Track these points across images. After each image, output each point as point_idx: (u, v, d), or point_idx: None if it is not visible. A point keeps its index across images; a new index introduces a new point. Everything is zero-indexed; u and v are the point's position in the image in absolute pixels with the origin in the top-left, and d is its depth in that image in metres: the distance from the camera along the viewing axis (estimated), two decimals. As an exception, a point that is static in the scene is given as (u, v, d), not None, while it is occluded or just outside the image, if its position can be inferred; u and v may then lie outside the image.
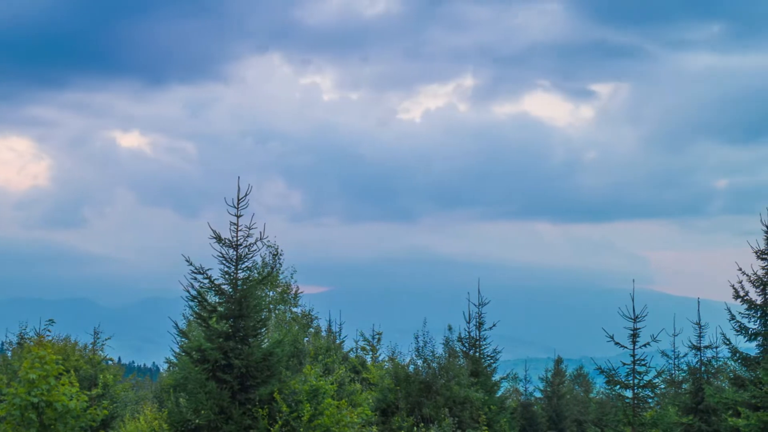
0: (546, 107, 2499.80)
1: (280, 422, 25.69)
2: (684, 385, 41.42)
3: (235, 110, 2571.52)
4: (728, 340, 35.83)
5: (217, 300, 27.31)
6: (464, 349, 43.28)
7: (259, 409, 25.75)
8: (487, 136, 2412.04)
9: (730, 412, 33.22)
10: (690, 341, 39.51)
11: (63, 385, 23.53)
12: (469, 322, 43.92)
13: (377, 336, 47.99)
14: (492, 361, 44.31)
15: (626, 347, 34.80)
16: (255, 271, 28.59)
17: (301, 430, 25.98)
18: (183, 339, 28.36)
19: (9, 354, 41.12)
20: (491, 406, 38.61)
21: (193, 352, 26.40)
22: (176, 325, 28.78)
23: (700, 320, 39.08)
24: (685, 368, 41.33)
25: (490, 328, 44.34)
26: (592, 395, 65.26)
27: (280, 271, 45.10)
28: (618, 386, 35.54)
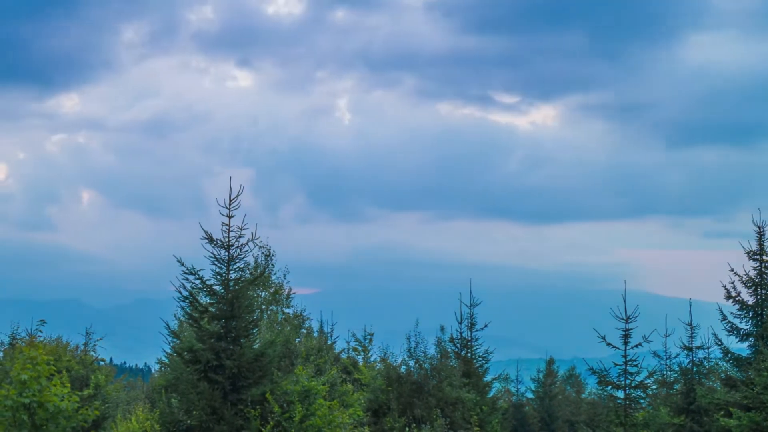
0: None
1: (272, 423, 25.68)
2: (675, 386, 41.39)
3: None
4: (720, 340, 35.84)
5: (209, 300, 27.27)
6: (456, 349, 43.30)
7: (251, 410, 25.74)
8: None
9: (722, 412, 33.19)
10: (682, 342, 39.51)
11: (54, 385, 23.42)
12: (460, 323, 43.97)
13: (369, 337, 47.93)
14: (484, 361, 44.34)
15: (618, 348, 34.78)
16: (247, 271, 28.52)
17: (293, 430, 25.97)
18: (174, 339, 28.37)
19: (0, 355, 40.95)
20: (483, 407, 38.63)
21: (185, 353, 26.38)
22: (168, 325, 28.79)
23: (691, 321, 39.09)
24: (677, 369, 41.33)
25: (482, 329, 44.39)
26: (583, 396, 65.30)
27: (273, 272, 44.96)
28: (610, 387, 35.52)
